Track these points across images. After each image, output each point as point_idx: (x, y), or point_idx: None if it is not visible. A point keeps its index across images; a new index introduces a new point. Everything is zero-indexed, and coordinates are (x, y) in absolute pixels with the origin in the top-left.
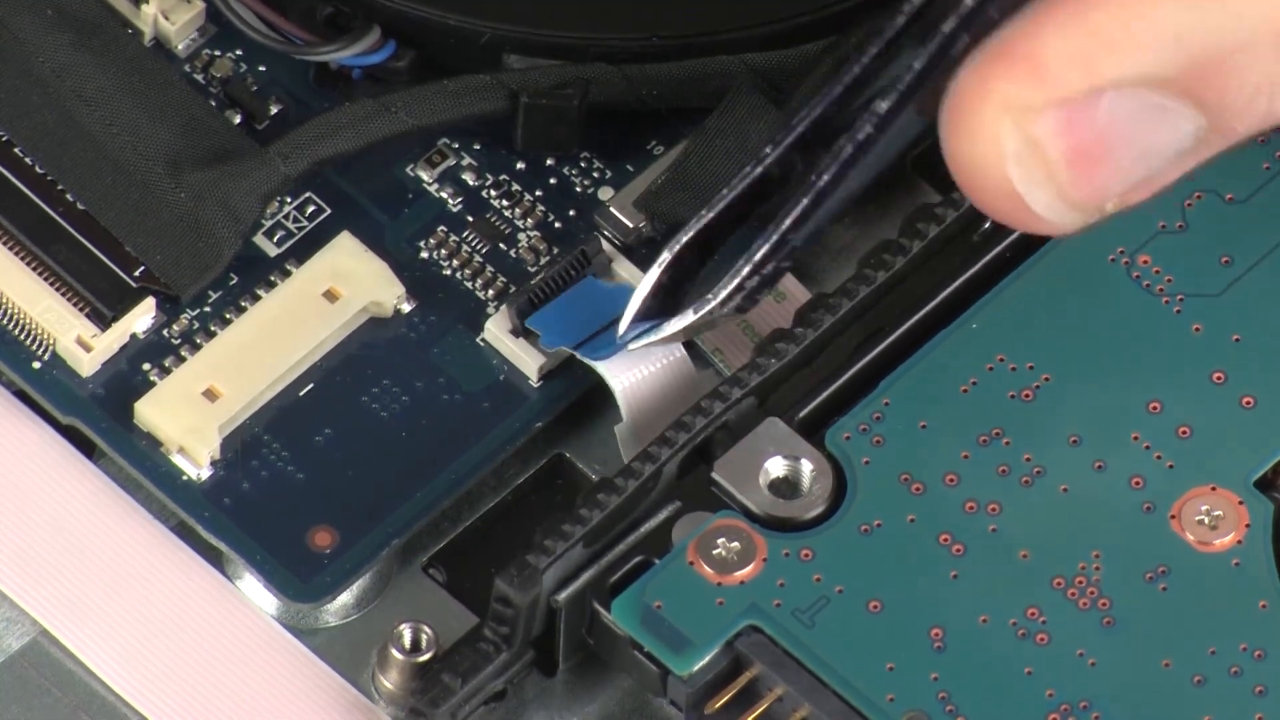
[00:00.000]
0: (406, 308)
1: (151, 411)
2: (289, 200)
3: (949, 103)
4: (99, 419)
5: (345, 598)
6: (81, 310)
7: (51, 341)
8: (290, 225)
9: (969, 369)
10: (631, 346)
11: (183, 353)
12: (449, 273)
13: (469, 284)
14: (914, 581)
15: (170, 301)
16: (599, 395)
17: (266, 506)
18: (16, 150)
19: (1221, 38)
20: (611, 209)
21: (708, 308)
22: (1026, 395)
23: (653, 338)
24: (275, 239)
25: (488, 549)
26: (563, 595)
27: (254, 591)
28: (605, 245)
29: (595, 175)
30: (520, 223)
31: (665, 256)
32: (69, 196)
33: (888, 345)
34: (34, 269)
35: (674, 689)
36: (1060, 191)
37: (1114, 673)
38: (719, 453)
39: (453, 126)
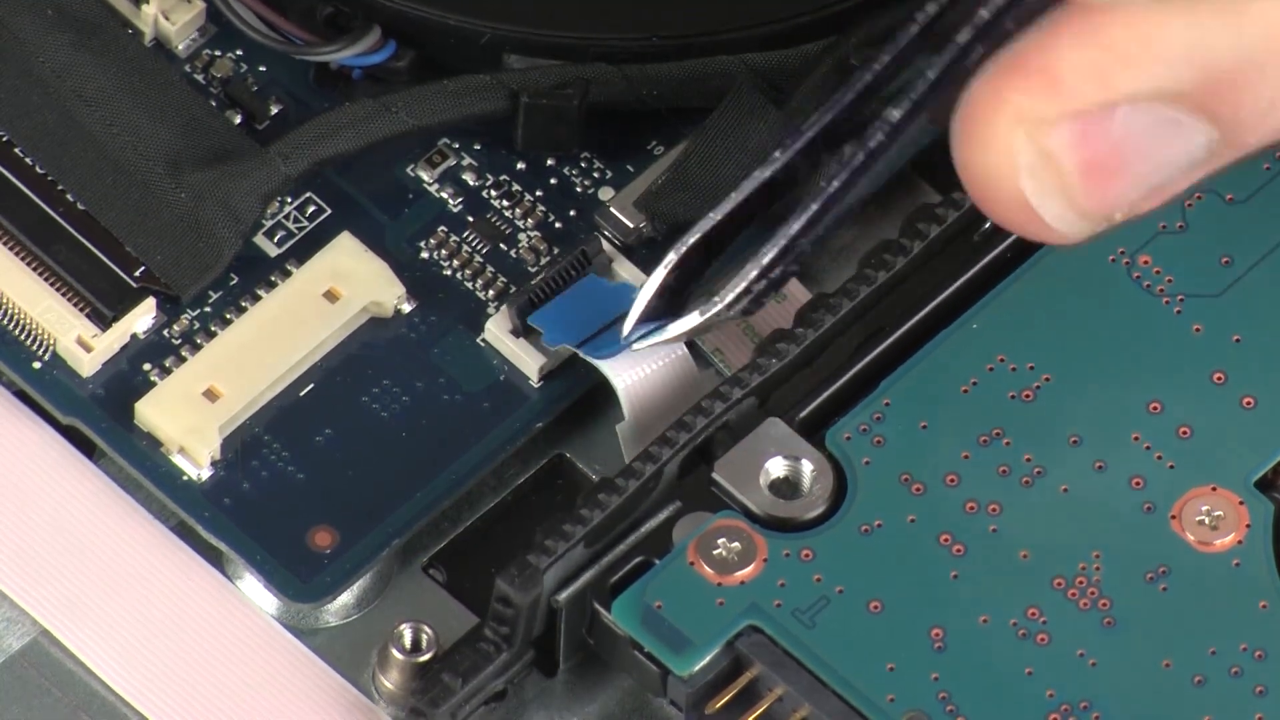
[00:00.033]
0: (407, 308)
1: (152, 411)
2: (289, 200)
3: (962, 112)
4: (99, 419)
5: (345, 598)
6: (82, 310)
7: (52, 341)
8: (290, 225)
9: (969, 369)
10: (636, 347)
11: (183, 353)
12: (449, 273)
13: (469, 284)
14: (914, 582)
15: (171, 301)
16: (599, 395)
17: (267, 506)
18: (17, 150)
19: (1237, 54)
20: (612, 209)
21: (714, 310)
22: (1027, 395)
23: (658, 339)
24: (275, 239)
25: (488, 549)
26: (563, 595)
27: (254, 591)
28: (605, 245)
29: (595, 175)
30: (520, 223)
31: (671, 258)
32: (69, 196)
33: (888, 345)
34: (34, 269)
35: (674, 689)
36: (1072, 203)
37: (1114, 673)
38: (719, 453)
39: (453, 126)
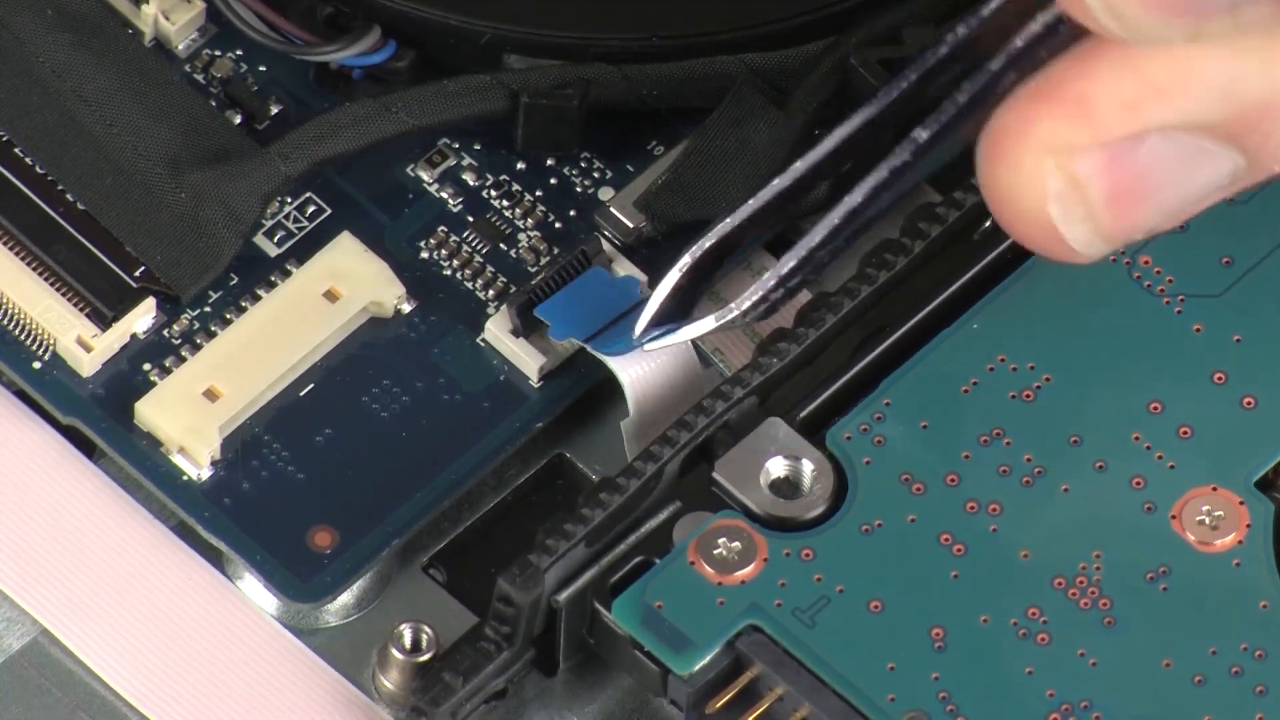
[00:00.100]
0: (407, 308)
1: (152, 411)
2: (289, 200)
3: (990, 135)
4: (99, 419)
5: (345, 598)
6: (82, 310)
7: (52, 341)
8: (290, 225)
9: (970, 369)
10: (648, 348)
11: (183, 353)
12: (449, 273)
13: (469, 284)
14: (915, 581)
15: (170, 301)
16: (599, 395)
17: (267, 506)
18: (17, 150)
19: (1269, 87)
20: (612, 209)
21: (730, 317)
22: (1027, 395)
23: (670, 340)
24: (275, 239)
25: (488, 549)
26: (564, 595)
27: (254, 591)
28: (605, 245)
29: (595, 175)
30: (520, 223)
31: (686, 260)
32: (69, 196)
33: (889, 345)
34: (34, 269)
35: (674, 689)
36: (1097, 227)
37: (1115, 673)
38: (720, 452)
39: (453, 126)
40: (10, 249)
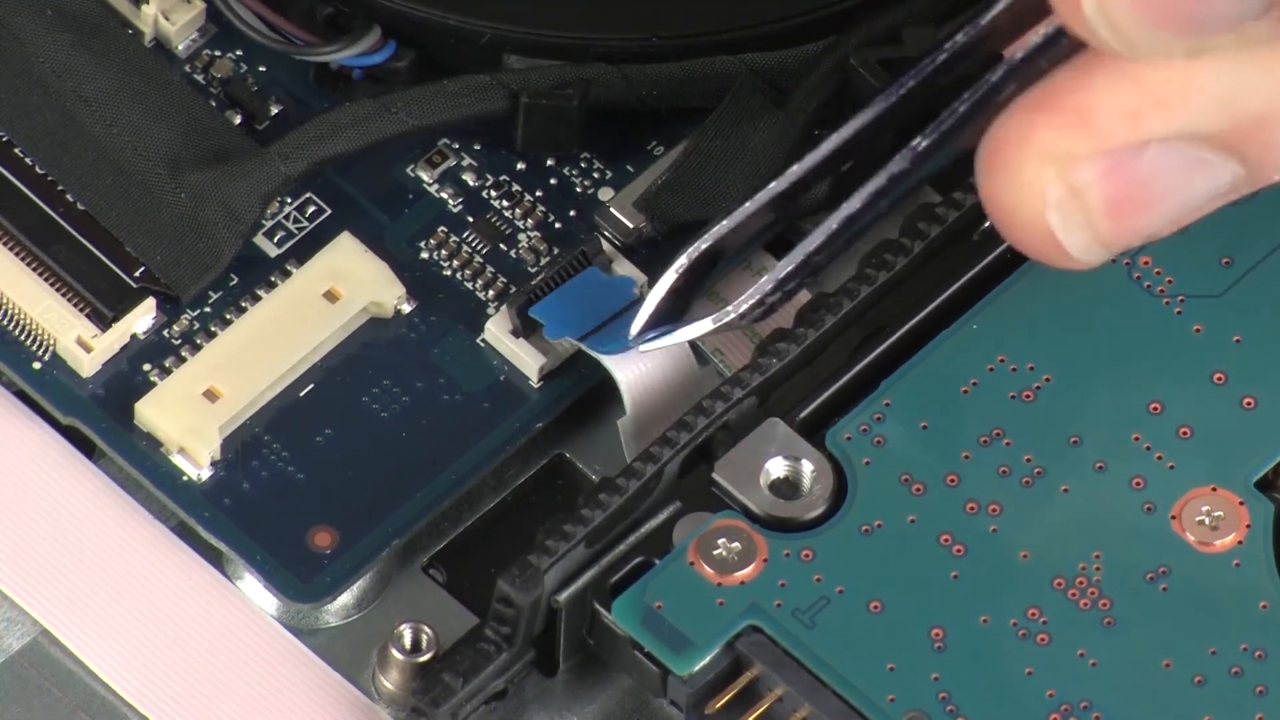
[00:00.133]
0: (407, 308)
1: (152, 412)
2: (289, 200)
3: (990, 144)
4: (99, 419)
5: (345, 598)
6: (82, 310)
7: (52, 342)
8: (290, 225)
9: (970, 369)
10: (643, 349)
11: (183, 353)
12: (449, 273)
13: (469, 284)
14: (914, 582)
15: (170, 302)
16: (599, 395)
17: (266, 506)
18: (17, 150)
19: (1270, 98)
20: (612, 209)
21: (727, 319)
22: (1027, 396)
23: (666, 341)
24: (275, 239)
25: (488, 549)
26: (563, 595)
27: (254, 591)
28: (605, 245)
29: (595, 175)
30: (520, 223)
31: (682, 261)
32: (69, 197)
33: (888, 345)
34: (34, 269)
35: (674, 689)
36: (1096, 235)
37: (1114, 673)
38: (720, 453)
39: (453, 127)
40: (10, 249)
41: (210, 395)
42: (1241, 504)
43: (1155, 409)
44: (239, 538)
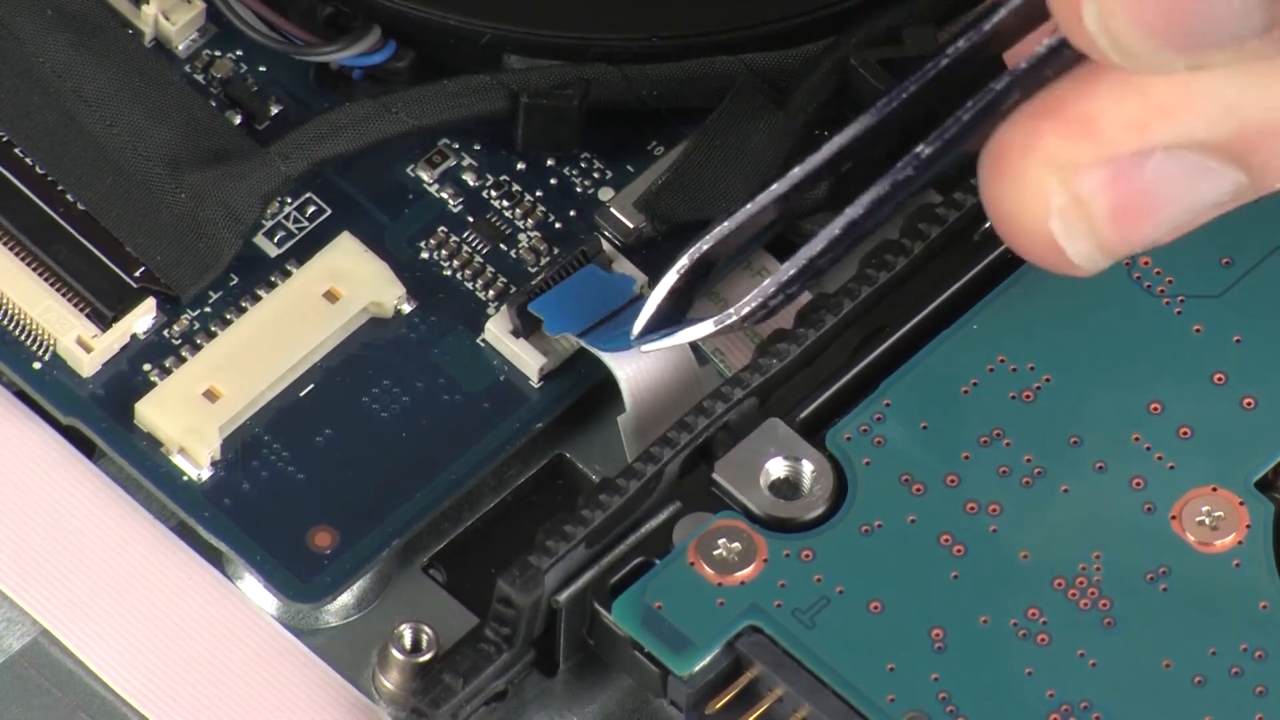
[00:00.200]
0: (407, 308)
1: (152, 412)
2: (289, 200)
3: (994, 151)
4: (99, 419)
5: (345, 598)
6: (82, 310)
7: (52, 342)
8: (290, 225)
9: (970, 370)
10: (645, 349)
11: (183, 353)
12: (449, 273)
13: (469, 284)
14: (915, 582)
15: (171, 302)
16: (599, 395)
17: (266, 506)
18: (17, 150)
19: (1274, 106)
20: (612, 209)
21: (729, 321)
22: (1027, 396)
23: (668, 342)
24: (275, 239)
25: (488, 549)
26: (563, 595)
27: (254, 591)
28: (605, 245)
29: (595, 175)
30: (520, 223)
31: (684, 262)
32: (69, 197)
33: (889, 346)
34: (34, 269)
35: (674, 689)
36: (1099, 243)
37: (1114, 673)
38: (720, 453)
39: (453, 127)
40: (10, 249)
41: (210, 395)
42: (1241, 504)
43: (1155, 409)
44: (239, 538)
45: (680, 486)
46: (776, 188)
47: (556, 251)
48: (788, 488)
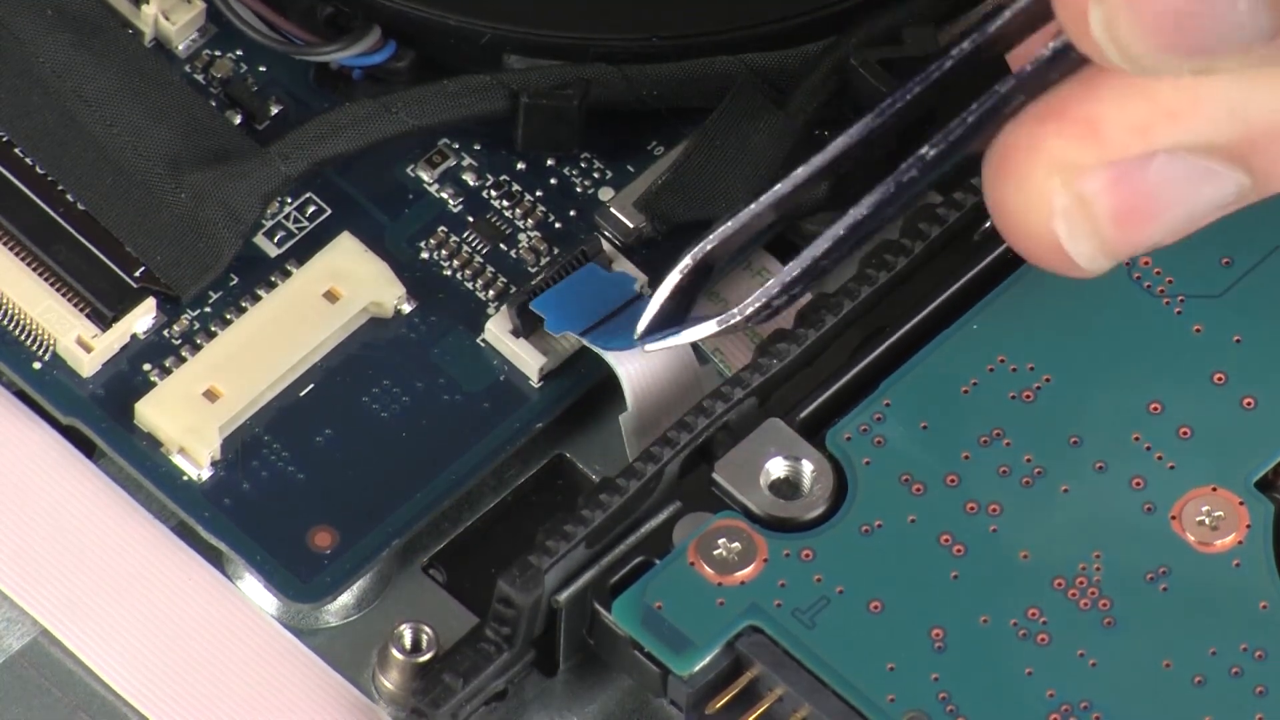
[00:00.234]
0: (407, 308)
1: (152, 412)
2: (289, 200)
3: (998, 153)
4: (99, 419)
5: (345, 598)
6: (82, 310)
7: (52, 342)
8: (290, 225)
9: (970, 370)
10: (648, 349)
11: (183, 353)
12: (449, 273)
13: (469, 284)
14: (915, 582)
15: (171, 302)
16: (599, 395)
17: (266, 506)
18: (17, 150)
19: (1278, 108)
20: (612, 209)
21: (733, 322)
22: (1027, 396)
23: (671, 342)
24: (275, 239)
25: (488, 549)
26: (563, 595)
27: (254, 591)
28: (605, 245)
29: (595, 175)
30: (521, 223)
31: (687, 262)
32: (69, 197)
33: (889, 346)
34: (34, 269)
35: (674, 689)
36: (1103, 244)
37: (1114, 673)
38: (720, 453)
39: (453, 127)
40: (10, 249)
41: (210, 395)
42: (1241, 504)
43: (1155, 409)
44: (239, 538)
45: (680, 486)
46: (780, 188)
47: (556, 251)
48: (788, 488)
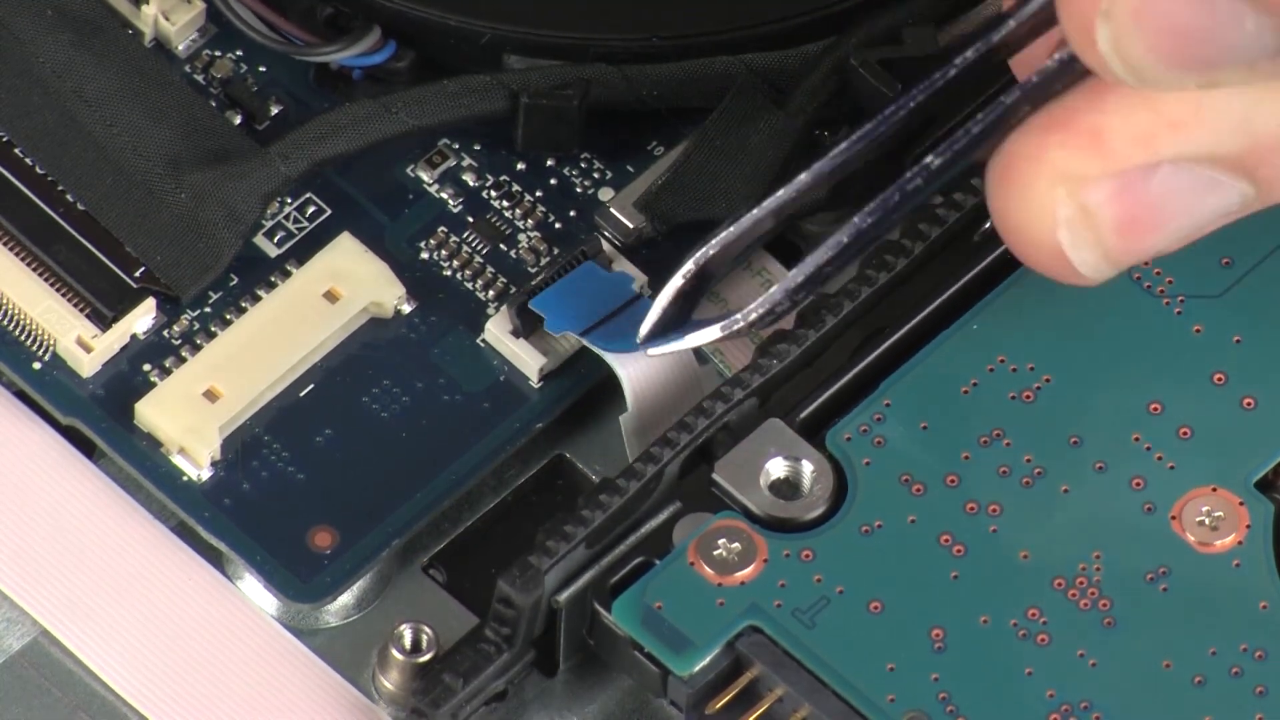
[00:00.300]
0: (407, 308)
1: (152, 412)
2: (289, 201)
3: (1002, 162)
4: (99, 419)
5: (345, 598)
6: (82, 311)
7: (52, 342)
8: (290, 226)
9: (970, 370)
10: (651, 353)
11: (183, 353)
12: (449, 273)
13: (469, 284)
14: (915, 582)
15: (171, 302)
16: (599, 396)
17: (266, 507)
18: (17, 150)
19: None
20: (612, 209)
21: (736, 327)
22: (1027, 396)
23: (673, 346)
24: (275, 239)
25: (488, 549)
26: (563, 596)
27: (254, 591)
28: (605, 245)
29: (595, 176)
30: (520, 223)
31: (689, 267)
32: (69, 197)
33: (889, 346)
34: (34, 269)
35: (674, 689)
36: (1106, 254)
37: (1114, 673)
38: (720, 453)
39: (453, 127)
40: (10, 249)
41: (210, 395)
42: (1241, 504)
43: (1155, 409)
44: (239, 538)
45: (680, 486)
46: (782, 194)
47: (556, 251)
48: (788, 488)
